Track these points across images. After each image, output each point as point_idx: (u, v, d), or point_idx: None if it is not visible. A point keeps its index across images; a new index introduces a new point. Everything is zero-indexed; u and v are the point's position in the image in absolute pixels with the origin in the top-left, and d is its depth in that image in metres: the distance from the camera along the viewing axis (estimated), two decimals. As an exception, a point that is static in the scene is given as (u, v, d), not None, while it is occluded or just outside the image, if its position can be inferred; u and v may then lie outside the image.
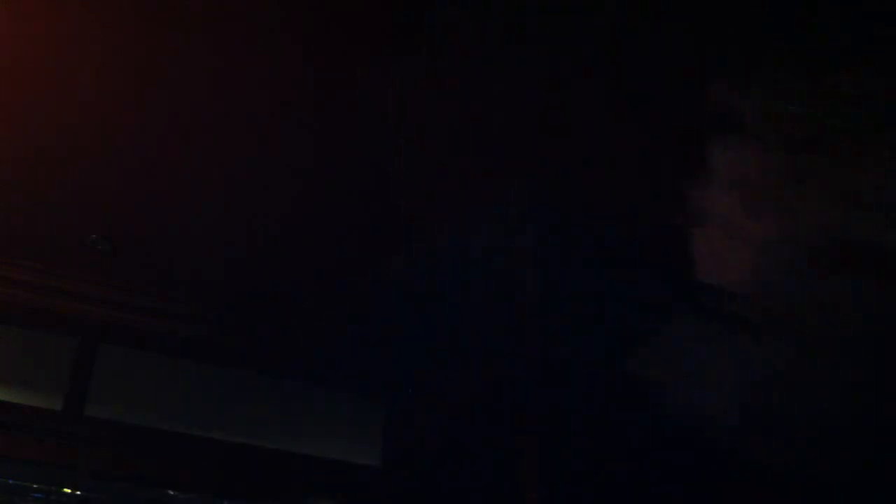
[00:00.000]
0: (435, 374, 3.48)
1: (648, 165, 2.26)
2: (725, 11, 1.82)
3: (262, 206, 2.73)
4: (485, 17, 1.97)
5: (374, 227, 2.79)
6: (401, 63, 2.10)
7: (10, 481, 3.16)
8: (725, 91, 1.79)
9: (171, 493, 3.35)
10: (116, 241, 2.96)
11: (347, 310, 3.31)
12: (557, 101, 2.16)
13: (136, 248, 3.02)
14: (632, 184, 2.34)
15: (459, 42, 2.02)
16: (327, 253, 2.96)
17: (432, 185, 2.58)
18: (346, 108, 2.30)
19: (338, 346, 3.53)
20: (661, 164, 2.19)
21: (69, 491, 3.23)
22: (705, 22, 1.85)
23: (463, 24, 1.99)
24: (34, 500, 3.19)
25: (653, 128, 2.13)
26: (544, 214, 2.55)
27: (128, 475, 3.23)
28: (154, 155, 2.52)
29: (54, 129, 2.43)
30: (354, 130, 2.38)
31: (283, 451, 3.41)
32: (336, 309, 3.32)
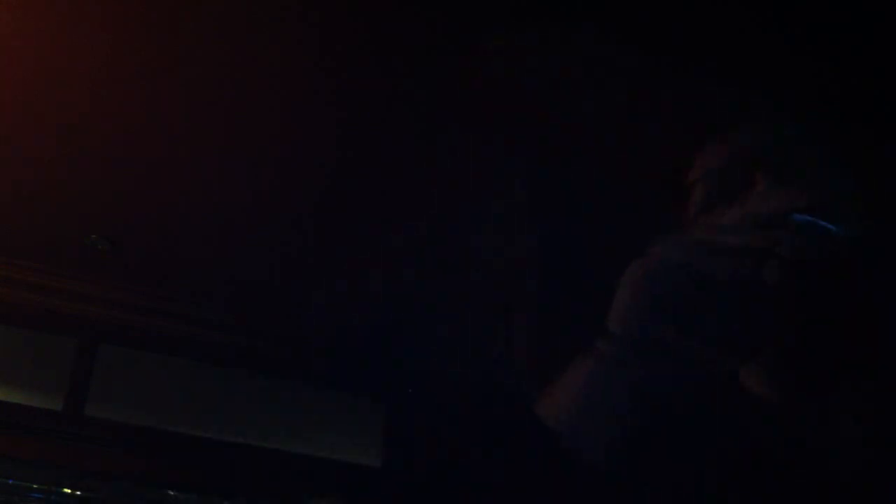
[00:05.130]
0: (435, 373, 3.48)
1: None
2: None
3: (263, 206, 2.73)
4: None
5: (376, 228, 2.79)
6: (427, 65, 2.09)
7: (10, 481, 3.16)
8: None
9: (171, 493, 3.35)
10: (116, 241, 2.96)
11: (348, 309, 3.31)
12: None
13: (136, 248, 3.02)
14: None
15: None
16: (328, 253, 2.96)
17: (438, 189, 2.58)
18: (359, 109, 2.29)
19: (338, 346, 3.53)
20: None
21: (69, 491, 3.23)
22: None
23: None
24: (34, 500, 3.19)
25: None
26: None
27: (128, 475, 3.23)
28: (154, 154, 2.52)
29: (54, 129, 2.43)
30: (363, 132, 2.37)
31: (283, 450, 3.41)
32: (336, 309, 3.32)
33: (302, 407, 3.53)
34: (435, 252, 2.87)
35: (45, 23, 2.07)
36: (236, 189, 2.65)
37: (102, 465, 3.17)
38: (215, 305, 3.37)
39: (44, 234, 2.97)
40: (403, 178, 2.54)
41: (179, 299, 3.33)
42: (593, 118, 2.20)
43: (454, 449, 3.51)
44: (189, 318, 3.36)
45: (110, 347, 3.33)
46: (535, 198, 2.56)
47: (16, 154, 2.55)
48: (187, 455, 3.28)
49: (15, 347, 3.20)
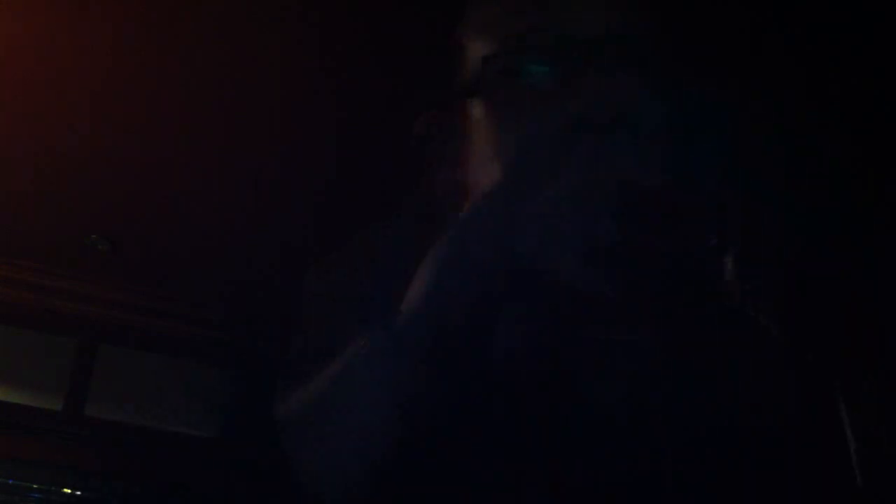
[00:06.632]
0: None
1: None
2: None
3: (263, 206, 2.73)
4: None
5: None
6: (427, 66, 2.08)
7: (10, 481, 3.16)
8: None
9: (172, 492, 3.35)
10: (116, 241, 2.96)
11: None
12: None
13: (136, 248, 3.02)
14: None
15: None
16: (328, 253, 2.96)
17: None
18: (359, 109, 2.28)
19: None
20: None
21: (69, 491, 3.23)
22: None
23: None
24: (34, 500, 3.19)
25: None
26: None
27: (128, 475, 3.23)
28: (155, 154, 2.52)
29: (55, 129, 2.43)
30: (363, 132, 2.38)
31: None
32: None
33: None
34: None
35: (45, 24, 2.07)
36: (236, 189, 2.65)
37: (102, 465, 3.17)
38: (215, 305, 3.37)
39: (44, 234, 2.97)
40: (403, 178, 2.54)
41: (179, 299, 3.33)
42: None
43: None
44: (189, 318, 3.36)
45: (110, 347, 3.33)
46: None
47: (16, 154, 2.55)
48: (187, 455, 3.28)
49: (15, 347, 3.20)
